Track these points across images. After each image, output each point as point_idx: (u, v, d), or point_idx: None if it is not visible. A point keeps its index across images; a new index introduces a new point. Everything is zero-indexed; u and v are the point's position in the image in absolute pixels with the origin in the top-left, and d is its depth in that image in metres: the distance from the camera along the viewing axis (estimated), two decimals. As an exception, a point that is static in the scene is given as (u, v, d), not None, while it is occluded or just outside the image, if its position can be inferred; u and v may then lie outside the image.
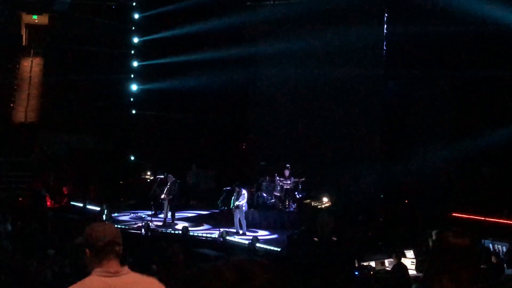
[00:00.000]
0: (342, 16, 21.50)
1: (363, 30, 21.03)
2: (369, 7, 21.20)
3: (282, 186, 19.68)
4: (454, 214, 18.32)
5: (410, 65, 20.36)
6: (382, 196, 20.12)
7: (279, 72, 23.64)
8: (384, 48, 20.83)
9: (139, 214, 20.69)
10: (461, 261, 2.57)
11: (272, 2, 23.90)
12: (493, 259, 13.74)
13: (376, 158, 21.20)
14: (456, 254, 2.58)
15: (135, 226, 18.61)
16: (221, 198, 21.14)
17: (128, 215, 20.78)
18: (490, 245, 14.73)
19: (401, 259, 12.93)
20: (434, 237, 13.87)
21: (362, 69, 21.52)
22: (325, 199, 18.58)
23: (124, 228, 18.45)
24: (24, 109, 25.38)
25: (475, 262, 2.65)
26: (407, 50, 20.06)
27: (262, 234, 18.05)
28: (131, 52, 26.06)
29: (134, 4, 26.04)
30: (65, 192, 21.78)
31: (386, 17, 20.82)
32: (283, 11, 23.08)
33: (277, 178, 19.75)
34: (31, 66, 26.44)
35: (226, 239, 16.66)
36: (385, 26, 20.82)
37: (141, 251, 14.08)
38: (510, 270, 13.54)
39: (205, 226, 19.07)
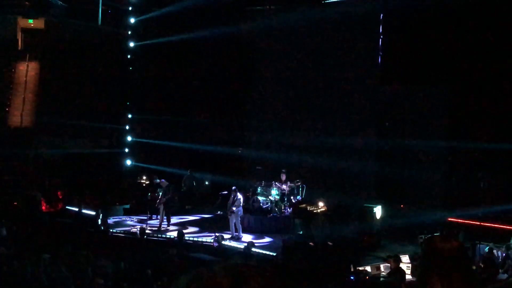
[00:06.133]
0: (339, 23, 21.60)
1: (359, 36, 21.12)
2: (365, 15, 21.26)
3: (278, 191, 19.67)
4: (450, 219, 18.37)
5: (406, 71, 20.44)
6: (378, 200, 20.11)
7: (276, 77, 23.72)
8: (380, 53, 20.90)
9: (134, 218, 20.66)
10: (451, 265, 2.58)
11: (269, 7, 23.97)
12: (481, 263, 13.80)
13: (372, 163, 21.26)
14: (446, 259, 2.59)
15: (131, 230, 18.58)
16: (217, 203, 21.17)
17: (123, 219, 20.74)
18: (486, 249, 14.74)
19: (399, 264, 12.93)
20: (422, 242, 13.93)
21: (358, 75, 21.62)
22: (320, 204, 18.58)
23: (119, 232, 18.43)
24: (20, 113, 25.33)
25: (466, 266, 2.66)
26: (403, 56, 20.14)
27: (257, 238, 18.04)
28: (127, 57, 26.05)
29: (130, 8, 26.01)
30: (60, 197, 21.71)
31: (382, 23, 20.89)
32: (280, 17, 23.15)
33: (274, 182, 19.76)
34: (26, 71, 26.39)
35: (222, 244, 16.65)
36: (381, 32, 20.90)
37: (136, 256, 14.07)
38: (505, 275, 13.56)
39: (201, 231, 19.05)
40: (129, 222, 20.22)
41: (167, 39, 24.07)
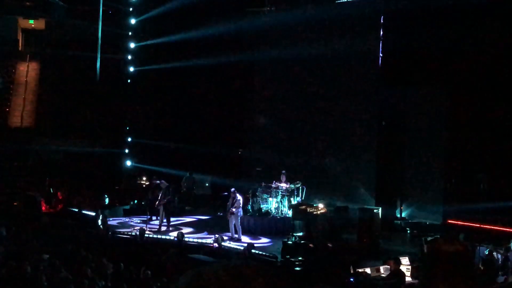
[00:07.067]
0: (339, 25, 21.62)
1: (360, 38, 21.12)
2: (366, 16, 21.26)
3: (277, 192, 19.65)
4: (449, 221, 18.36)
5: (406, 72, 20.45)
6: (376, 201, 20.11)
7: (276, 78, 23.74)
8: (380, 55, 20.90)
9: (134, 219, 20.65)
10: (455, 268, 2.58)
11: (269, 9, 23.99)
12: (480, 265, 13.79)
13: (372, 164, 21.26)
14: (450, 261, 2.59)
15: (130, 231, 18.57)
16: (217, 204, 21.17)
17: (123, 220, 20.73)
18: (486, 252, 14.74)
19: (399, 266, 12.91)
20: (426, 245, 13.92)
21: (358, 76, 21.64)
22: (320, 205, 18.57)
23: (119, 233, 18.41)
24: (20, 113, 25.33)
25: (469, 269, 2.65)
26: (403, 57, 20.14)
27: (257, 240, 18.03)
28: (127, 58, 26.07)
29: (130, 9, 26.05)
30: (60, 197, 21.71)
31: (382, 25, 20.90)
32: (282, 19, 23.17)
33: (273, 183, 19.74)
34: (27, 71, 26.41)
35: (222, 245, 16.65)
36: (381, 34, 20.90)
37: (136, 257, 14.06)
38: (504, 277, 13.56)
39: (201, 232, 19.04)
40: (129, 223, 20.21)
41: (167, 39, 24.11)
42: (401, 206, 20.62)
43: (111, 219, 20.18)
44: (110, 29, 25.71)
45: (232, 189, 18.28)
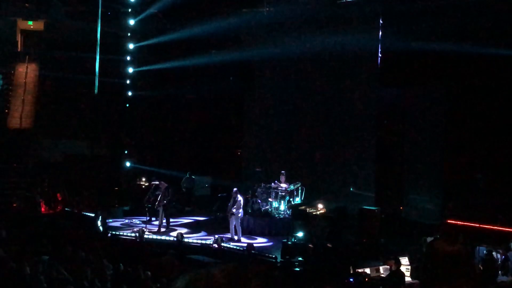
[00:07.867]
0: (339, 25, 21.61)
1: (359, 37, 21.12)
2: (365, 15, 21.26)
3: (277, 193, 19.67)
4: (449, 221, 18.33)
5: (405, 73, 20.45)
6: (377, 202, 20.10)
7: (274, 79, 23.74)
8: (379, 55, 20.90)
9: (134, 220, 20.64)
10: (455, 268, 2.58)
11: (267, 9, 23.99)
12: (480, 265, 13.79)
13: (371, 164, 21.27)
14: (450, 261, 2.59)
15: (130, 232, 18.57)
16: (216, 205, 21.16)
17: (122, 221, 20.72)
18: (485, 252, 14.73)
19: (399, 266, 12.91)
20: (426, 245, 13.89)
21: (358, 76, 21.65)
22: (320, 206, 18.56)
23: (119, 234, 18.41)
24: (19, 115, 25.27)
25: (469, 269, 2.65)
26: (402, 58, 20.14)
27: (257, 240, 18.03)
28: (126, 58, 26.05)
29: (129, 10, 26.05)
30: (60, 198, 21.68)
31: (382, 25, 20.89)
32: (279, 18, 23.16)
33: (273, 184, 19.76)
34: (26, 72, 26.35)
35: (221, 246, 16.64)
36: (380, 33, 20.90)
37: (135, 257, 14.04)
38: (504, 277, 13.57)
39: (200, 233, 19.04)
40: (128, 224, 20.20)
41: (167, 38, 24.11)
42: (401, 206, 20.61)
43: (110, 220, 20.17)
44: (109, 30, 25.68)
45: (234, 190, 18.28)
